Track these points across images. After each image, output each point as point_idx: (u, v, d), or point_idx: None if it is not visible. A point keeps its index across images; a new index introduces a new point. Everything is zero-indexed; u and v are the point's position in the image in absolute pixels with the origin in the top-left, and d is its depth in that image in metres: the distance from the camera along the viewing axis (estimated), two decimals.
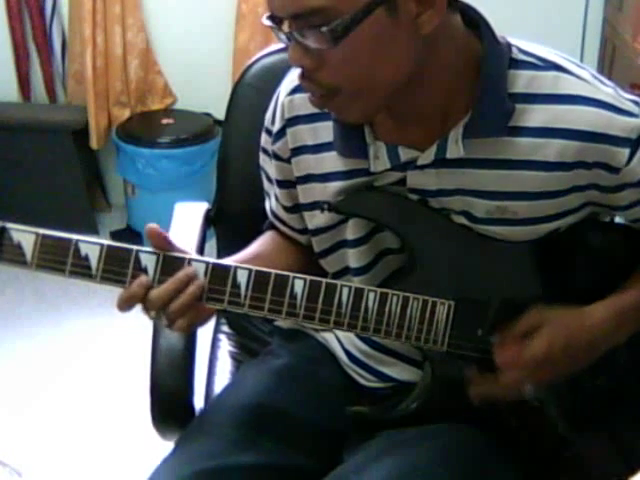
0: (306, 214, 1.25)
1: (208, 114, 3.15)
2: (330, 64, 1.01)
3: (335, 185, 1.17)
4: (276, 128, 1.24)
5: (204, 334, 1.43)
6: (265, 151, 1.30)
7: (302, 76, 1.05)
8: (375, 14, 0.97)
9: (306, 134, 1.20)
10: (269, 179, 1.32)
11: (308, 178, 1.22)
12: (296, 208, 1.28)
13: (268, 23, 1.03)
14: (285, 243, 1.33)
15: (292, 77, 1.21)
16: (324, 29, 0.97)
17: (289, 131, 1.22)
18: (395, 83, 1.04)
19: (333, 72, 1.02)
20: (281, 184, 1.28)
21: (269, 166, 1.30)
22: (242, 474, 1.14)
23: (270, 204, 1.35)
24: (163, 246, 1.08)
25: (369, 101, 1.06)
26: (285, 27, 1.02)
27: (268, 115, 1.27)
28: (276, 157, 1.26)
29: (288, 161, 1.24)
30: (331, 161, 1.18)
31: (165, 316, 1.08)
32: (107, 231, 3.21)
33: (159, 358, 1.32)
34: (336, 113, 1.11)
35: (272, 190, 1.33)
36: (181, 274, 1.08)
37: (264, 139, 1.29)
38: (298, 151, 1.22)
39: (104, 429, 2.31)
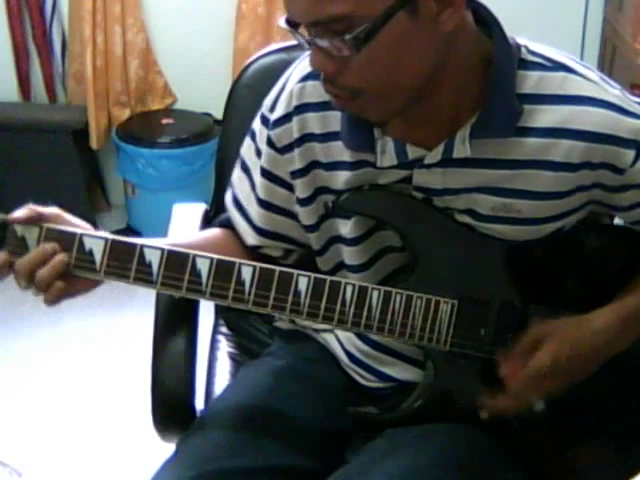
0: (300, 209, 1.22)
1: (208, 114, 3.15)
2: (353, 69, 1.01)
3: (342, 174, 1.16)
4: (278, 114, 1.20)
5: (203, 335, 1.42)
6: (253, 137, 1.26)
7: (324, 79, 1.05)
8: (396, 17, 0.96)
9: (314, 122, 1.18)
10: (245, 167, 1.28)
11: (312, 165, 1.19)
12: (267, 205, 1.25)
13: (285, 27, 1.03)
14: (236, 243, 1.29)
15: (304, 64, 1.18)
16: (347, 37, 0.96)
17: (296, 118, 1.19)
18: (417, 83, 1.04)
19: (356, 76, 1.01)
20: (265, 174, 1.24)
21: (250, 152, 1.26)
22: (243, 478, 1.14)
23: (234, 193, 1.30)
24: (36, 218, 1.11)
25: (392, 102, 1.05)
26: (303, 31, 1.02)
27: (267, 101, 1.23)
28: (270, 144, 1.22)
29: (281, 151, 1.21)
30: (338, 150, 1.16)
31: (34, 285, 1.07)
32: (107, 231, 3.19)
33: (160, 359, 1.32)
34: (358, 113, 1.09)
35: (244, 179, 1.28)
36: (47, 245, 1.08)
37: (258, 127, 1.25)
38: (304, 139, 1.19)
39: (104, 430, 2.31)
